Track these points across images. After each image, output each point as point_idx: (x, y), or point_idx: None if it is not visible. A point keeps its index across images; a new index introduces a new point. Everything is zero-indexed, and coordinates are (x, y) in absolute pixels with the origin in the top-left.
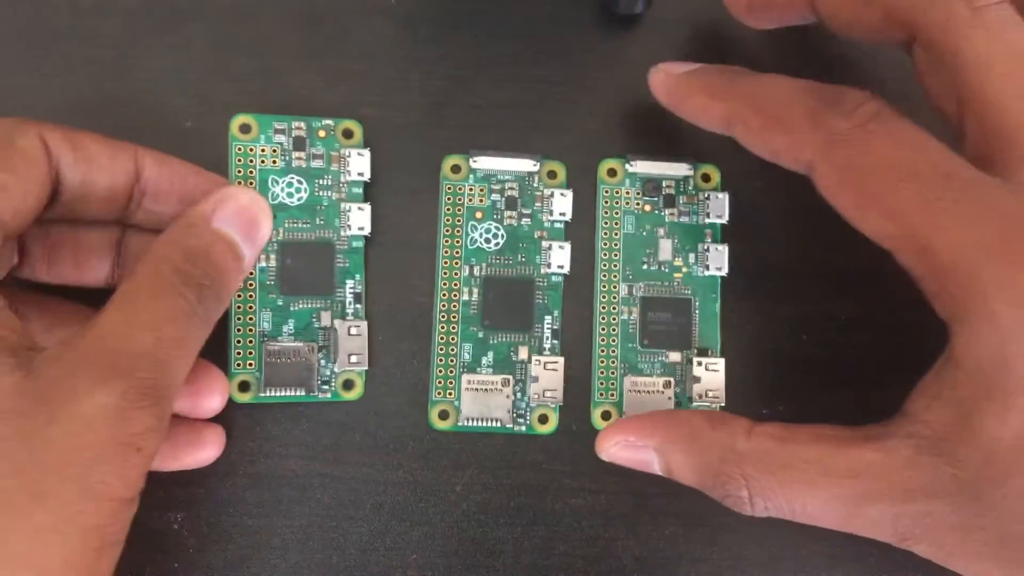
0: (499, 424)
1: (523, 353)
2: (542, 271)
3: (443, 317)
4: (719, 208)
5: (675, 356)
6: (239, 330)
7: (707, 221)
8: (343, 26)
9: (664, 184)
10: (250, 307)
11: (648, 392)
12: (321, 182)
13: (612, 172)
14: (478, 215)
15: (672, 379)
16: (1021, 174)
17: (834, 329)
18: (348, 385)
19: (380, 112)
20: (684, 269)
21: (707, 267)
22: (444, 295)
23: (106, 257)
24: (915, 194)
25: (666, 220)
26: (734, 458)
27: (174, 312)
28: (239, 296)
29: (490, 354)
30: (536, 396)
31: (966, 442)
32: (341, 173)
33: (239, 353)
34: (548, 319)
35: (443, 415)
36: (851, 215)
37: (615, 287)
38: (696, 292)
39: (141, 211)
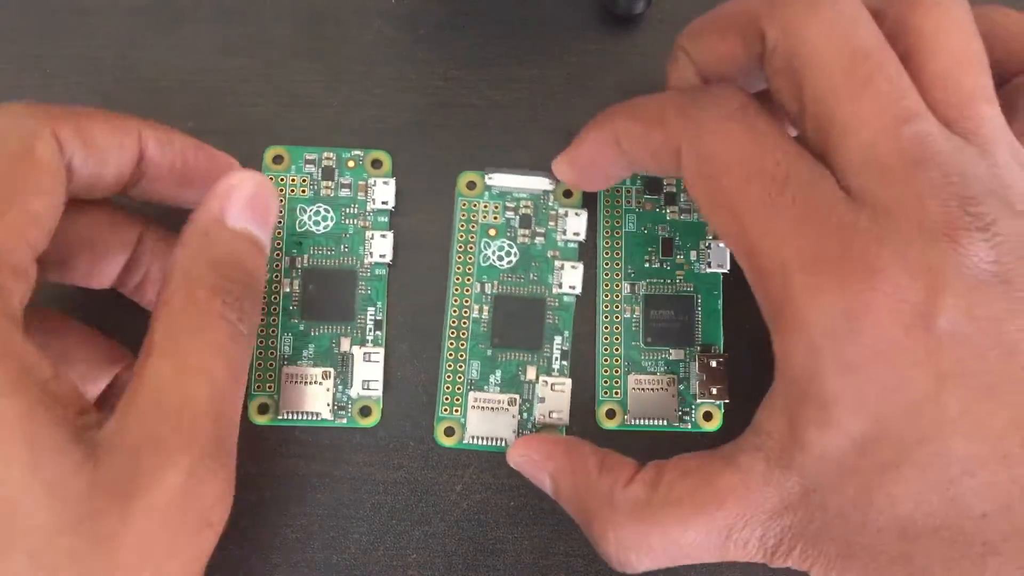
0: (504, 444)
1: (531, 373)
2: (554, 291)
3: (453, 333)
4: None
5: (678, 353)
6: (260, 353)
7: None
8: (343, 26)
9: (665, 182)
10: (272, 331)
11: (652, 390)
12: (347, 211)
13: None
14: (492, 232)
15: (675, 376)
16: (845, 180)
17: None
18: (365, 411)
19: (380, 112)
20: (686, 266)
21: (709, 264)
22: (455, 311)
23: (120, 259)
24: (756, 194)
25: (667, 218)
26: (609, 515)
27: (221, 343)
28: (261, 320)
29: (498, 372)
30: (542, 416)
31: (801, 451)
32: (367, 202)
33: (259, 376)
34: (558, 339)
35: (449, 432)
36: (704, 209)
37: (617, 285)
38: (698, 289)
39: (137, 190)
